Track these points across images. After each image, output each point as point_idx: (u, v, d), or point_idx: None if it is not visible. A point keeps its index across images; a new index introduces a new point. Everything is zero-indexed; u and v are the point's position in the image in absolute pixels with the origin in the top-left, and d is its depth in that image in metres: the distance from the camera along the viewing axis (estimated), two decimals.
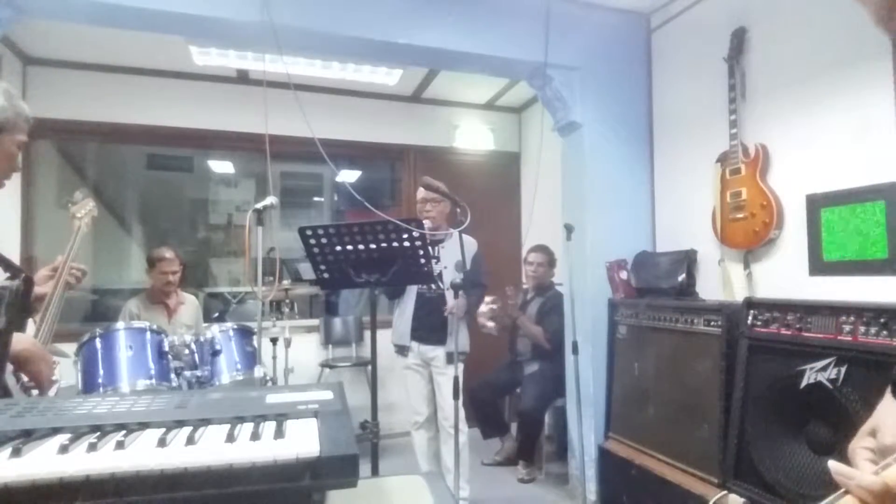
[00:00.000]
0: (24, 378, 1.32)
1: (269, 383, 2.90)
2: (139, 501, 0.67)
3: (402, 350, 2.97)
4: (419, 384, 2.96)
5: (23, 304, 1.18)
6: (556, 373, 3.45)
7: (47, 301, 1.61)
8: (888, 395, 0.77)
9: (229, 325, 3.20)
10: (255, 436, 0.76)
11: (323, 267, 2.26)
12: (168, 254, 3.50)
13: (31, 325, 1.51)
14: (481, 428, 3.82)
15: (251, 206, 2.54)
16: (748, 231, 2.57)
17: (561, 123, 3.25)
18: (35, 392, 1.35)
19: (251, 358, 3.03)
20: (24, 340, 1.30)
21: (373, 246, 2.19)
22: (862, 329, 1.84)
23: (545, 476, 3.57)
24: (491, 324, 3.40)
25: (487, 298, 3.32)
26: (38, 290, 1.55)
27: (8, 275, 1.15)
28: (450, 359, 2.78)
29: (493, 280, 3.15)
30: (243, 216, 2.66)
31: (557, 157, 3.42)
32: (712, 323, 2.43)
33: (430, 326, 2.86)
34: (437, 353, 2.85)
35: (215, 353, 3.02)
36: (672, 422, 2.59)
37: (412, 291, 2.92)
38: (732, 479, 2.22)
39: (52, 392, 1.39)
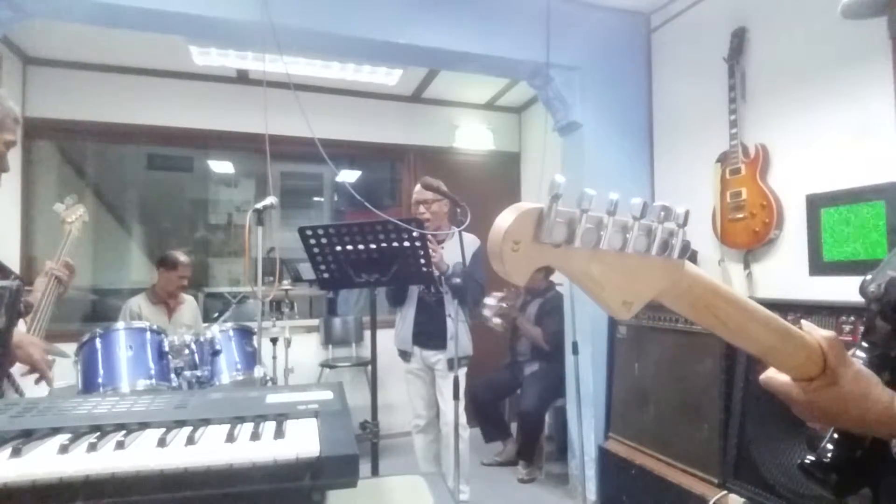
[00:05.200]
0: (16, 371, 1.34)
1: (269, 383, 2.90)
2: (139, 501, 0.67)
3: (404, 355, 2.95)
4: (421, 389, 2.94)
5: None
6: (556, 373, 3.45)
7: (37, 306, 1.63)
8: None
9: (229, 325, 3.20)
10: (255, 436, 0.76)
11: (323, 267, 2.26)
12: (185, 258, 3.53)
13: (21, 325, 1.52)
14: (483, 430, 3.82)
15: (251, 206, 2.54)
16: (748, 231, 2.57)
17: (561, 123, 3.25)
18: (27, 386, 1.37)
19: (251, 358, 3.03)
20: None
21: (373, 246, 2.19)
22: (862, 329, 1.84)
23: (545, 476, 3.56)
24: (497, 320, 3.39)
25: (496, 294, 3.31)
26: (32, 297, 1.58)
27: None
28: (451, 364, 2.76)
29: (492, 279, 3.14)
30: (243, 216, 2.66)
31: (557, 157, 3.42)
32: None
33: (430, 331, 2.84)
34: (439, 357, 2.83)
35: (215, 353, 3.02)
36: (672, 422, 2.58)
37: (413, 296, 2.91)
38: (732, 479, 2.22)
39: (50, 373, 1.41)
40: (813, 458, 0.63)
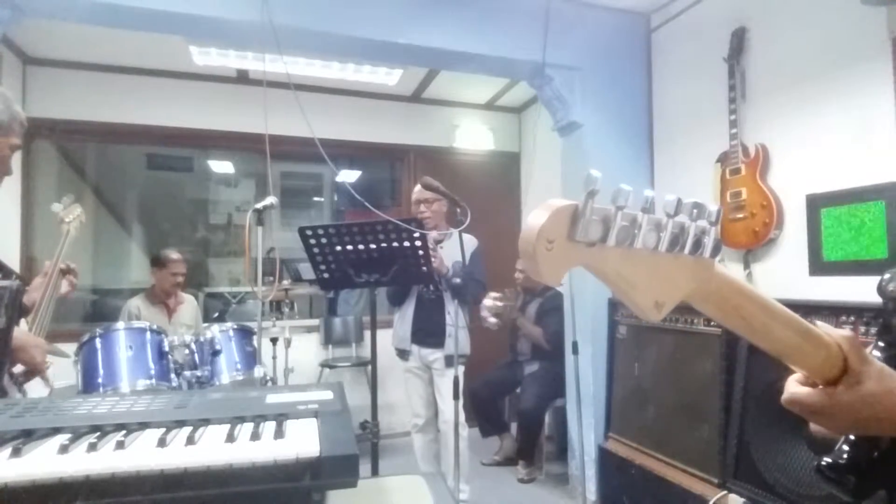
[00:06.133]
0: (16, 371, 1.34)
1: (269, 383, 2.90)
2: (139, 501, 0.67)
3: (402, 354, 2.96)
4: (419, 387, 2.95)
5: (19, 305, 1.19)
6: (556, 373, 3.45)
7: (37, 306, 1.63)
8: None
9: (229, 325, 3.20)
10: (255, 436, 0.76)
11: (323, 267, 2.26)
12: (176, 255, 3.53)
13: (22, 324, 1.52)
14: (480, 426, 3.82)
15: (251, 206, 2.54)
16: (748, 231, 2.57)
17: (561, 123, 3.25)
18: (28, 386, 1.37)
19: (251, 358, 3.03)
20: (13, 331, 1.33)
21: (373, 246, 2.19)
22: (862, 329, 1.84)
23: (545, 476, 3.56)
24: (493, 319, 3.39)
25: (493, 294, 3.32)
26: (29, 296, 1.57)
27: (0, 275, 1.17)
28: (449, 362, 2.77)
29: (492, 280, 3.15)
30: (243, 216, 2.66)
31: (557, 157, 3.43)
32: (712, 323, 2.43)
33: (429, 329, 2.85)
34: (437, 355, 2.84)
35: (215, 353, 3.01)
36: (672, 422, 2.58)
37: (412, 294, 2.91)
38: (732, 479, 2.22)
39: (48, 373, 1.41)
40: (829, 461, 0.61)
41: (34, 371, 1.39)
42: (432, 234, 2.60)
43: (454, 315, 2.67)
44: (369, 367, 2.82)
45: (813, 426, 0.64)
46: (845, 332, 0.58)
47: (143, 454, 0.70)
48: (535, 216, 0.42)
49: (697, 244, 0.47)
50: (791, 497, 1.96)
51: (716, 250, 0.48)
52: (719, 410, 2.33)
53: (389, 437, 4.04)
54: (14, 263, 3.51)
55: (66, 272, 1.79)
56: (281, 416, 0.84)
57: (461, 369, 2.67)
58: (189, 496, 0.68)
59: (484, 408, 3.80)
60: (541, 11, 2.97)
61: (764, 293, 0.54)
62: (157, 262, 3.51)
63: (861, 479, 0.60)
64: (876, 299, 1.11)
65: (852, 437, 0.61)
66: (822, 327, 0.58)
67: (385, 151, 4.83)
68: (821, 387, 0.58)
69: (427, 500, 0.94)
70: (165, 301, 3.52)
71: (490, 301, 3.30)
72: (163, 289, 3.50)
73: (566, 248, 0.42)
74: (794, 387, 0.60)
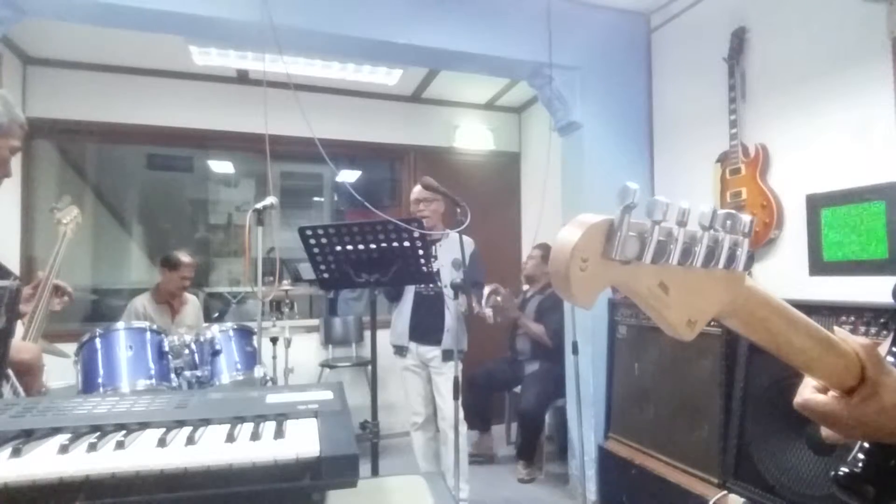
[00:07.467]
0: (11, 387, 1.33)
1: (269, 383, 2.90)
2: (139, 501, 0.67)
3: (400, 350, 2.96)
4: (417, 385, 2.96)
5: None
6: (557, 372, 3.45)
7: (30, 315, 1.61)
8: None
9: (229, 325, 3.20)
10: (255, 436, 0.76)
11: (323, 267, 2.27)
12: (188, 259, 3.53)
13: (19, 326, 1.51)
14: (466, 414, 3.78)
15: (251, 206, 2.54)
16: None
17: (561, 123, 3.25)
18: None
19: (251, 358, 3.03)
20: (30, 350, 1.33)
21: (373, 246, 2.19)
22: (862, 329, 1.84)
23: (545, 476, 3.56)
24: (488, 310, 3.40)
25: (487, 286, 3.32)
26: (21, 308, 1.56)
27: None
28: (446, 357, 2.78)
29: (491, 279, 3.15)
30: (243, 216, 2.66)
31: (557, 157, 3.42)
32: (712, 323, 2.42)
33: (427, 326, 2.86)
34: (435, 353, 2.85)
35: (215, 353, 3.02)
36: (672, 422, 2.58)
37: (410, 290, 2.92)
38: (732, 479, 2.22)
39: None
40: (847, 470, 0.59)
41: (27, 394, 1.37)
42: (429, 234, 2.59)
43: (453, 311, 2.67)
44: (369, 367, 2.82)
45: (824, 430, 0.63)
46: (863, 339, 0.56)
47: (143, 454, 0.70)
48: (567, 233, 0.39)
49: (731, 257, 0.45)
50: (791, 497, 1.96)
51: (748, 263, 0.46)
52: (719, 410, 2.33)
53: (389, 437, 4.04)
54: (14, 263, 3.51)
55: (59, 292, 1.76)
56: (281, 416, 0.84)
57: (460, 367, 2.68)
58: (189, 496, 0.68)
59: (477, 396, 3.75)
60: (541, 11, 2.97)
61: (784, 302, 0.52)
62: (168, 264, 3.50)
63: (880, 489, 0.58)
64: (876, 300, 1.11)
65: (867, 444, 0.59)
66: (840, 333, 0.56)
67: (385, 151, 4.83)
68: (836, 395, 0.56)
69: (427, 500, 0.94)
70: (170, 301, 3.53)
71: (485, 291, 3.30)
72: (168, 290, 3.50)
73: (601, 266, 0.39)
74: (810, 393, 0.59)
